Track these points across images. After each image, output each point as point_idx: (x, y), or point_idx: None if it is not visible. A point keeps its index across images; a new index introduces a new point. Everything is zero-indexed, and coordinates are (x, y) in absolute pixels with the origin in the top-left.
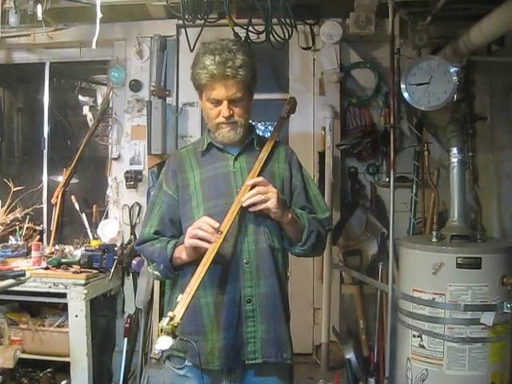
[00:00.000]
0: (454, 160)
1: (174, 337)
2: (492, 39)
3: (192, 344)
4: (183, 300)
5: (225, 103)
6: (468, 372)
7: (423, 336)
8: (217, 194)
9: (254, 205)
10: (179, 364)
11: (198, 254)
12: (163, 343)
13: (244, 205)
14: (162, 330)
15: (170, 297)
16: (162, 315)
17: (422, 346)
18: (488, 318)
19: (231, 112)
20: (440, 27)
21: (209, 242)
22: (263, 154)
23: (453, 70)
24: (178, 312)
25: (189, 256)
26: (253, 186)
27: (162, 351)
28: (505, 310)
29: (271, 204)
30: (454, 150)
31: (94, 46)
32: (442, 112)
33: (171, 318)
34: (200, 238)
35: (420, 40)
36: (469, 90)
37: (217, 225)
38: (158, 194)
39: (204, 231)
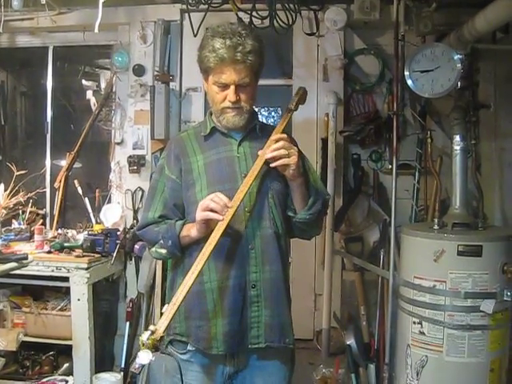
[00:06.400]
0: (457, 148)
1: (156, 350)
2: (497, 27)
3: (194, 333)
4: (168, 311)
5: (232, 88)
6: (467, 359)
7: (423, 323)
8: (221, 178)
9: (276, 159)
10: (182, 349)
11: (208, 229)
12: (143, 358)
13: (268, 156)
14: (142, 344)
15: (173, 280)
16: (163, 299)
17: (422, 333)
18: (488, 305)
19: (238, 97)
20: (445, 14)
21: (220, 214)
22: (264, 152)
23: (457, 57)
24: (161, 324)
25: (199, 231)
26: (277, 142)
27: (143, 365)
28: (505, 298)
29: (293, 161)
30: (457, 138)
31: (96, 29)
32: (446, 99)
33: (152, 332)
34: (212, 210)
35: (425, 27)
36: (473, 77)
37: (226, 199)
38: (160, 178)
39: (216, 203)
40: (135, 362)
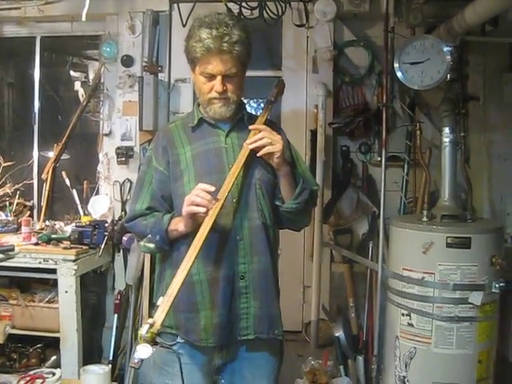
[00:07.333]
0: (446, 140)
1: (155, 344)
2: (486, 19)
3: (183, 325)
4: (164, 304)
5: (218, 78)
6: (455, 350)
7: (412, 314)
8: (209, 170)
9: (260, 148)
10: (171, 341)
11: (195, 223)
12: (142, 352)
13: (250, 147)
14: (141, 338)
15: (161, 272)
16: (152, 292)
17: (410, 325)
18: (476, 297)
19: (224, 88)
20: (434, 6)
21: (206, 208)
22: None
23: (446, 49)
24: (158, 317)
25: (186, 226)
26: (259, 132)
27: (142, 360)
28: (493, 290)
29: (277, 148)
30: (446, 130)
31: (83, 18)
32: (435, 92)
33: (151, 325)
34: (197, 205)
35: (414, 19)
36: (462, 70)
37: (212, 188)
38: (147, 170)
39: (201, 198)
40: (134, 357)
